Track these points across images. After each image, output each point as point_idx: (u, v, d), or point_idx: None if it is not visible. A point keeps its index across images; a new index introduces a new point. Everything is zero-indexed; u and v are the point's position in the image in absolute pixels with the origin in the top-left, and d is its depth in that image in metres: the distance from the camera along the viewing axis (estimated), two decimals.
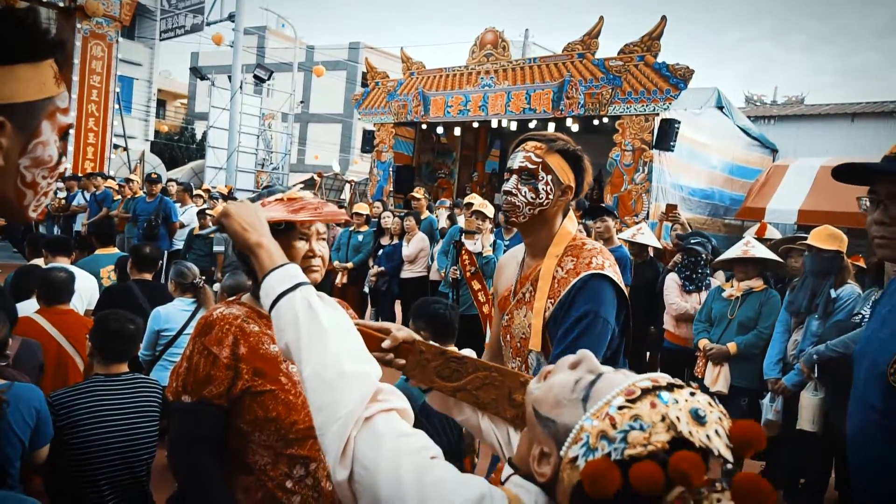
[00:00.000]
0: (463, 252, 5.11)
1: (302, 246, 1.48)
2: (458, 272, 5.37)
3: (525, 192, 1.81)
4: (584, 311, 1.68)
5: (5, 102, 0.79)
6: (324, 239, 1.54)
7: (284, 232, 1.46)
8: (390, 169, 13.23)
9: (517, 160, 1.84)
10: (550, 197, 1.81)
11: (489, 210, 5.66)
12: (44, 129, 0.84)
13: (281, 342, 1.07)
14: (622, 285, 1.76)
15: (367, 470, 0.87)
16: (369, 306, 7.38)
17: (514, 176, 1.84)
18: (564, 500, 0.81)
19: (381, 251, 7.06)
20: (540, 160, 1.80)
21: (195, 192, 9.49)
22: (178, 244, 8.24)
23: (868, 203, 1.33)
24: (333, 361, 0.98)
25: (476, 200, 6.10)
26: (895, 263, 1.20)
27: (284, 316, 1.06)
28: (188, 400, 1.39)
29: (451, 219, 7.02)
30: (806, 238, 3.93)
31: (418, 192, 8.09)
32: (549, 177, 1.80)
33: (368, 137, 13.87)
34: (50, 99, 0.84)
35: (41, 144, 0.84)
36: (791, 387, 3.60)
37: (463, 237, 5.29)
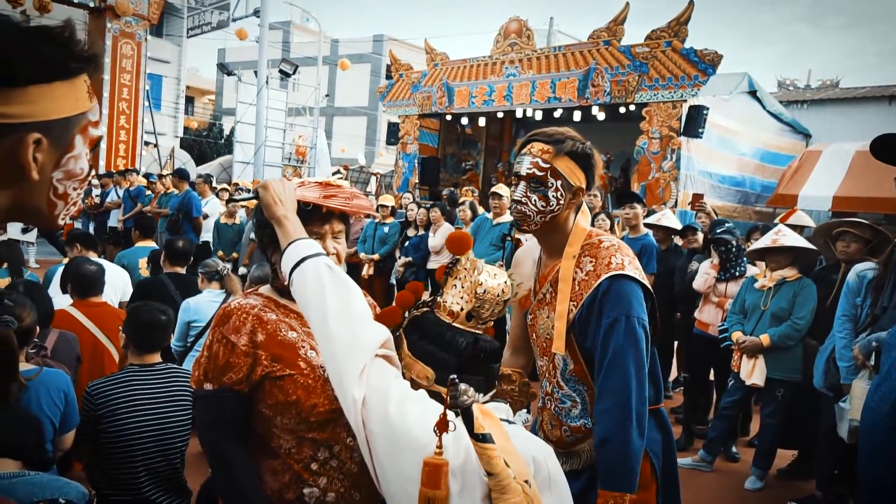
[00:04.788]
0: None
1: None
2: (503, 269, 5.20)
3: (535, 201, 1.75)
4: (615, 317, 1.66)
5: (42, 119, 0.81)
6: (339, 237, 1.54)
7: (303, 223, 1.48)
8: (415, 161, 13.25)
9: (524, 166, 1.76)
10: (561, 202, 1.75)
11: None
12: (77, 143, 0.87)
13: (302, 295, 1.24)
14: (645, 280, 1.73)
15: (378, 392, 1.09)
16: (397, 292, 7.42)
17: (523, 183, 1.77)
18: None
19: (407, 242, 7.09)
20: (548, 166, 1.73)
21: (221, 186, 9.65)
22: (206, 237, 8.40)
23: None
24: (358, 305, 1.20)
25: (503, 191, 6.07)
26: None
27: (309, 273, 1.23)
28: (210, 387, 1.44)
29: (473, 209, 6.98)
30: (863, 222, 3.76)
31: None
32: (559, 182, 1.74)
33: (393, 130, 13.90)
34: (83, 114, 0.87)
35: (73, 158, 0.87)
36: None
37: (515, 232, 5.05)
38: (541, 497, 1.06)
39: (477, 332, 1.24)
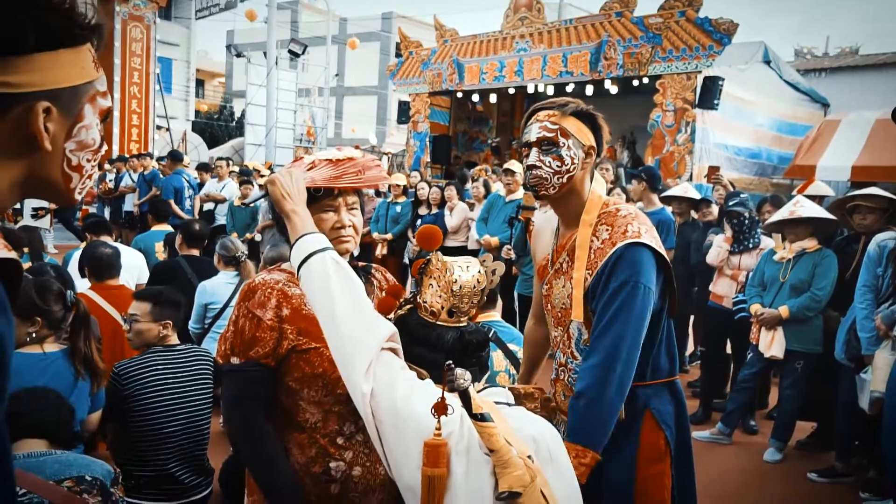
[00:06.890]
0: (531, 229, 4.67)
1: (329, 217, 1.50)
2: (511, 252, 5.18)
3: (550, 162, 1.75)
4: (623, 280, 1.66)
5: (50, 88, 0.80)
6: (355, 208, 1.54)
7: (316, 200, 1.48)
8: (427, 139, 13.19)
9: (533, 132, 1.78)
10: (576, 161, 1.76)
11: None
12: (86, 112, 0.86)
13: (309, 291, 1.27)
14: (661, 250, 1.73)
15: (385, 385, 1.14)
16: (410, 276, 7.45)
17: (534, 149, 1.78)
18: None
19: (419, 221, 7.07)
20: (556, 126, 1.75)
21: (231, 169, 9.69)
22: (221, 219, 8.44)
23: None
24: (364, 301, 1.23)
25: (515, 167, 6.01)
26: None
27: (315, 269, 1.25)
28: (237, 361, 1.45)
29: (486, 186, 6.94)
30: (873, 193, 3.68)
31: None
32: (570, 141, 1.75)
33: (404, 108, 13.83)
34: (91, 83, 0.86)
35: (85, 128, 0.86)
36: None
37: (520, 214, 4.82)
38: (543, 470, 1.11)
39: (461, 324, 1.30)
